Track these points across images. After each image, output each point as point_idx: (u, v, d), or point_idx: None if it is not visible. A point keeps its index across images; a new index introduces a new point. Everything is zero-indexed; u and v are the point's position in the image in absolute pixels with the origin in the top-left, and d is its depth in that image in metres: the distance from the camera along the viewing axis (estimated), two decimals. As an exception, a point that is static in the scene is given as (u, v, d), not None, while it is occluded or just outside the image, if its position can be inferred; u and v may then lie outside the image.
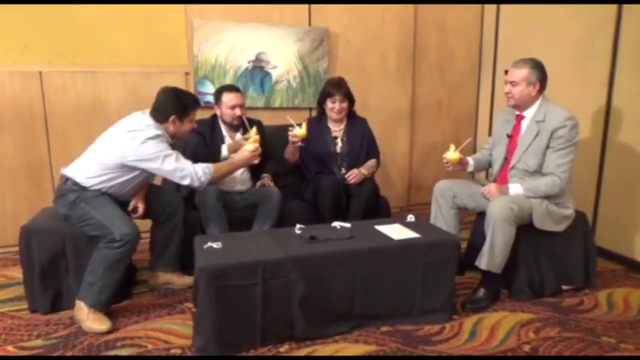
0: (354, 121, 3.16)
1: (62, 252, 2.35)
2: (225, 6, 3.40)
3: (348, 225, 2.40)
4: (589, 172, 3.17)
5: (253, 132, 2.54)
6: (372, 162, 3.13)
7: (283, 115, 3.13)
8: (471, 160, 2.81)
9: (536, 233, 2.50)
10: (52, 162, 3.19)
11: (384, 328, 2.20)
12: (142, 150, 2.25)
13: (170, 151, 2.30)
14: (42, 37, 3.06)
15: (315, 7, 3.63)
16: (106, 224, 2.23)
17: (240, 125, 2.90)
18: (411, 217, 2.52)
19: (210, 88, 3.38)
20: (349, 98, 3.07)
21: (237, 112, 2.83)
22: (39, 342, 2.11)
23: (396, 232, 2.33)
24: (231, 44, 3.42)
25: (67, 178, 2.33)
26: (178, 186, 3.00)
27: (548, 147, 2.46)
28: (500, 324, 2.27)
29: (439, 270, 2.24)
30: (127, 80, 3.25)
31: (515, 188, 2.48)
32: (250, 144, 2.50)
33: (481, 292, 2.47)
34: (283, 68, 3.60)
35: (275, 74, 3.58)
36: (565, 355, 2.03)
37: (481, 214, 2.67)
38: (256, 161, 2.55)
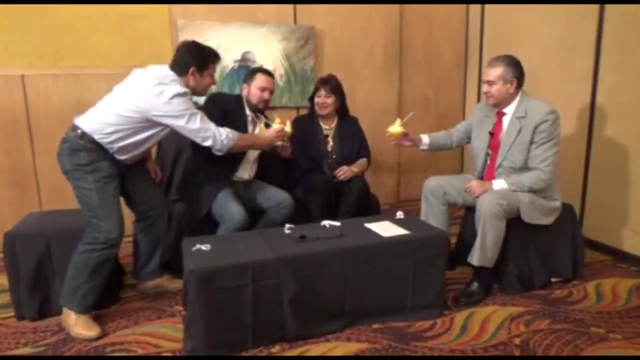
0: (345, 120, 3.15)
1: (48, 256, 2.31)
2: (210, 5, 3.37)
3: (337, 223, 2.39)
4: (575, 164, 3.19)
5: (277, 121, 2.60)
6: (362, 161, 3.13)
7: (271, 114, 3.10)
8: (425, 138, 2.78)
9: (525, 227, 2.51)
10: (36, 166, 3.14)
11: (375, 326, 2.19)
12: (170, 106, 2.18)
13: (196, 111, 2.25)
14: (23, 39, 3.01)
15: (301, 6, 3.61)
16: (99, 214, 2.17)
17: (262, 114, 2.86)
18: (400, 214, 2.52)
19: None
20: (337, 95, 3.06)
21: (266, 95, 2.76)
22: (27, 350, 2.07)
23: (385, 229, 2.32)
24: (216, 44, 3.38)
25: (83, 133, 2.16)
26: (167, 192, 3.00)
27: (532, 142, 2.46)
28: (491, 318, 2.28)
29: (429, 266, 2.24)
30: (111, 82, 3.11)
31: (499, 184, 2.48)
32: (277, 124, 2.57)
33: (474, 285, 2.48)
34: (269, 67, 3.55)
35: (261, 73, 3.55)
36: (557, 355, 2.04)
37: (470, 209, 2.68)
38: (279, 143, 2.63)
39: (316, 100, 3.06)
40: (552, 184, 2.52)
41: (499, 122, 2.60)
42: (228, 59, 3.45)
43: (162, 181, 2.56)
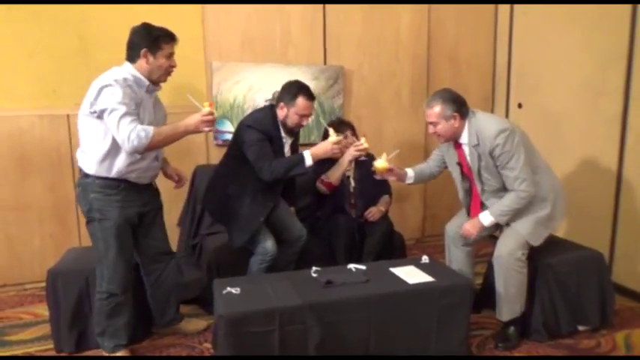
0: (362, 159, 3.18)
1: (86, 292, 2.43)
2: (243, 47, 3.52)
3: (363, 267, 2.44)
4: (605, 208, 3.16)
5: (206, 104, 2.18)
6: (385, 198, 3.18)
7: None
8: (410, 171, 2.78)
9: (551, 272, 2.51)
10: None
11: (399, 372, 2.22)
12: (98, 103, 2.05)
13: (119, 107, 2.01)
14: (69, 81, 3.21)
15: (330, 47, 3.73)
16: (104, 262, 2.19)
17: (297, 132, 2.76)
18: (425, 259, 2.55)
19: (229, 127, 3.50)
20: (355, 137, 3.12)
21: (304, 121, 2.61)
22: (65, 384, 2.18)
23: (410, 275, 2.36)
24: (249, 84, 3.54)
25: (84, 173, 2.18)
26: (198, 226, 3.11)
27: (496, 166, 2.40)
28: (516, 368, 2.28)
29: (453, 313, 2.26)
30: (149, 121, 3.36)
31: (487, 218, 2.45)
32: (206, 106, 2.14)
33: (511, 329, 2.49)
34: (299, 106, 3.68)
35: (291, 111, 3.67)
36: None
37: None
38: (207, 129, 2.15)
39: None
40: (538, 194, 2.44)
41: (461, 152, 2.56)
42: (260, 99, 3.57)
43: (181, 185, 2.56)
